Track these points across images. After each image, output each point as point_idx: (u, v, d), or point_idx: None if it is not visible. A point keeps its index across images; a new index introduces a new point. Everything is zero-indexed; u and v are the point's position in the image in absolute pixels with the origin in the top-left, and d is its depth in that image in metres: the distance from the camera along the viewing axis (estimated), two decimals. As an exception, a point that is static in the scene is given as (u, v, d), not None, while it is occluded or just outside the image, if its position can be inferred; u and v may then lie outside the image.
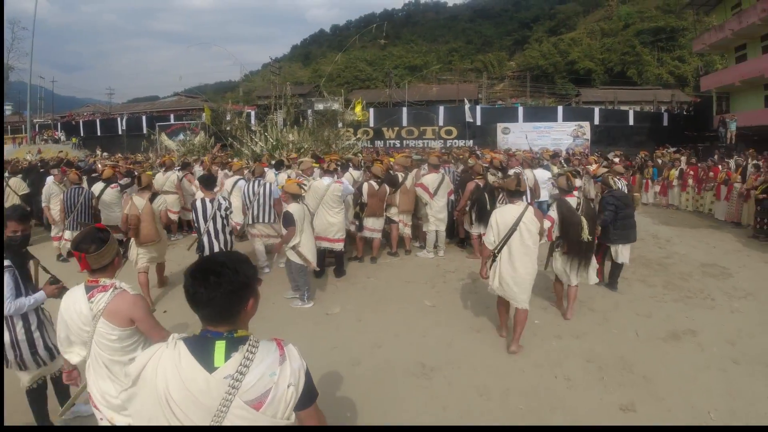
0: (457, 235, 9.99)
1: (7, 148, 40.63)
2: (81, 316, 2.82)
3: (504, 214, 5.26)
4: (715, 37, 30.41)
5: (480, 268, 5.73)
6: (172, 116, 42.66)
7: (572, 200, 6.29)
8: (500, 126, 34.01)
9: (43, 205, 9.49)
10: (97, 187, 9.10)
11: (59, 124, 47.08)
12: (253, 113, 25.94)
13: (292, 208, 6.54)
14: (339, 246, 7.91)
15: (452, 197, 9.40)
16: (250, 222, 8.33)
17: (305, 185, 7.35)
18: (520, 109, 36.12)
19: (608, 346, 5.63)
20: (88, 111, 56.36)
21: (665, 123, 34.71)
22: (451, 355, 5.34)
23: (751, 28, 26.26)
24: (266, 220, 8.32)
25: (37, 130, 45.06)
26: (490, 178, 8.81)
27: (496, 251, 5.28)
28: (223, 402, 1.69)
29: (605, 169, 8.45)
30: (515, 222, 5.14)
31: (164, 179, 10.64)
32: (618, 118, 35.32)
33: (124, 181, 10.27)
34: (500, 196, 8.67)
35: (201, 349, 1.77)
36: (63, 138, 43.08)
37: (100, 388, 2.88)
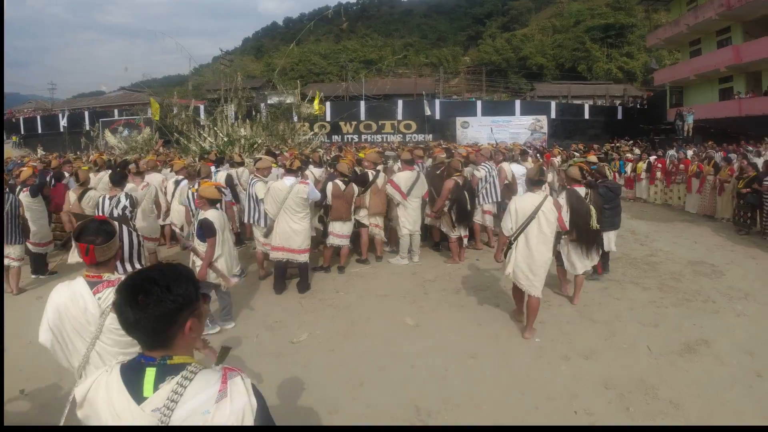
0: (430, 238, 9.06)
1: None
2: (86, 313, 2.56)
3: (523, 202, 5.29)
4: (670, 32, 30.75)
5: (495, 252, 5.75)
6: (116, 111, 40.47)
7: (581, 190, 6.22)
8: (459, 120, 33.45)
9: None
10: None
11: (-3, 122, 43.81)
12: (202, 107, 24.45)
13: (211, 214, 5.38)
14: (303, 258, 6.83)
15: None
16: (200, 231, 7.13)
17: (224, 188, 6.13)
18: (479, 103, 35.71)
19: (623, 366, 4.86)
20: (30, 108, 52.97)
21: (619, 116, 35.00)
22: (448, 392, 4.37)
23: (706, 23, 26.59)
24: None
25: (-27, 129, 41.90)
26: (479, 173, 7.96)
27: (512, 239, 5.29)
28: None
29: (596, 159, 7.92)
30: (534, 210, 5.15)
31: (96, 180, 9.28)
32: (574, 112, 35.37)
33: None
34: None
35: (133, 376, 1.56)
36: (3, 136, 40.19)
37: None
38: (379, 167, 8.38)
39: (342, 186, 7.39)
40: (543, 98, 42.29)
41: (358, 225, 7.96)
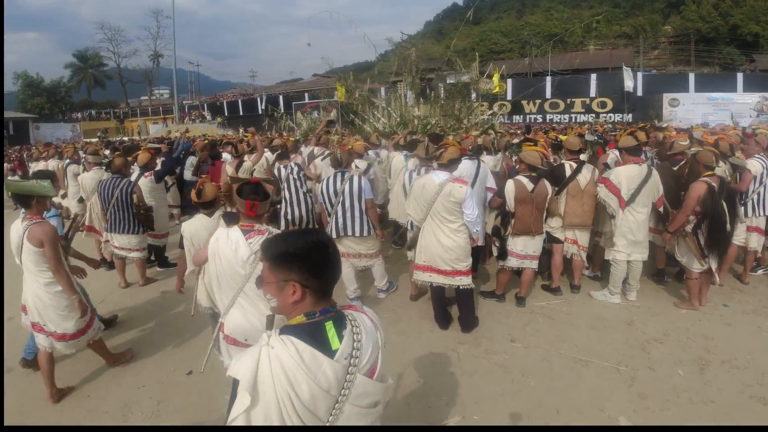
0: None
1: (157, 127, 42.80)
2: (237, 255, 3.02)
3: None
4: None
5: None
6: (306, 95, 41.89)
7: None
8: (667, 97, 27.91)
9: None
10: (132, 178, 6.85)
11: (205, 104, 48.68)
12: (383, 90, 23.51)
13: (193, 221, 4.12)
14: (464, 281, 4.72)
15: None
16: (333, 235, 5.40)
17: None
18: (692, 77, 29.47)
19: None
20: (235, 93, 58.00)
21: None
22: None
23: None
24: (357, 233, 5.36)
25: (186, 111, 47.02)
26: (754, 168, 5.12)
27: None
28: (347, 384, 1.56)
29: None
30: None
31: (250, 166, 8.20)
32: (815, 89, 27.53)
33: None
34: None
35: (315, 336, 1.58)
36: (209, 117, 44.33)
37: (249, 321, 3.07)
38: (583, 156, 5.83)
39: (529, 185, 5.01)
40: (765, 72, 34.04)
41: (549, 239, 5.54)
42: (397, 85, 14.85)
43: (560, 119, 28.86)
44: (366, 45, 20.39)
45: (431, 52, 60.42)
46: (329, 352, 1.52)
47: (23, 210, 3.84)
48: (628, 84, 28.73)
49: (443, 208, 4.51)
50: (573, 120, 27.95)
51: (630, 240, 5.14)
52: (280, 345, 1.50)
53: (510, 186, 5.03)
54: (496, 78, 15.89)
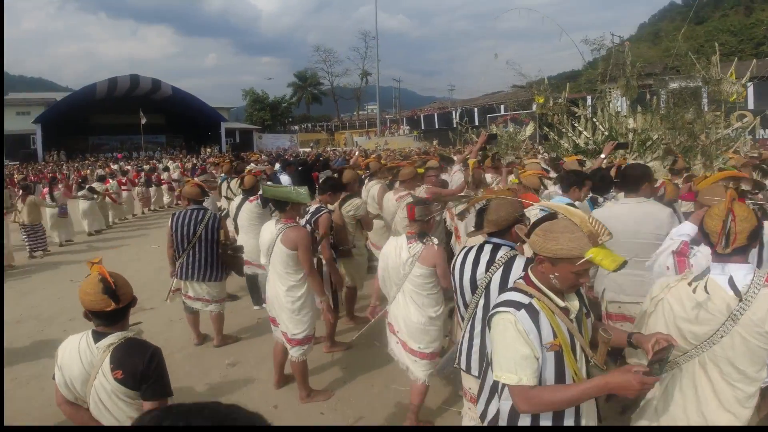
0: None
1: (361, 139, 44.33)
2: (400, 257, 3.29)
3: None
4: None
5: None
6: (502, 107, 39.23)
7: None
8: None
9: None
10: (234, 202, 5.83)
11: (404, 119, 49.24)
12: (589, 99, 20.03)
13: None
14: None
15: None
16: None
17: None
18: None
19: None
20: (433, 107, 57.98)
21: None
22: None
23: None
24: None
25: (387, 124, 48.14)
26: None
27: None
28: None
29: None
30: None
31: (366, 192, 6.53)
32: None
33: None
34: None
35: None
36: (407, 131, 44.60)
37: (404, 316, 3.30)
38: None
39: None
40: None
41: None
42: (606, 92, 11.82)
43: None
44: (573, 54, 17.18)
45: (647, 56, 52.54)
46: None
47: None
48: None
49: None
50: None
51: None
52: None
53: None
54: (733, 77, 11.58)
